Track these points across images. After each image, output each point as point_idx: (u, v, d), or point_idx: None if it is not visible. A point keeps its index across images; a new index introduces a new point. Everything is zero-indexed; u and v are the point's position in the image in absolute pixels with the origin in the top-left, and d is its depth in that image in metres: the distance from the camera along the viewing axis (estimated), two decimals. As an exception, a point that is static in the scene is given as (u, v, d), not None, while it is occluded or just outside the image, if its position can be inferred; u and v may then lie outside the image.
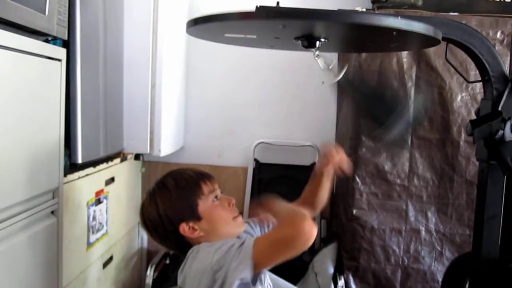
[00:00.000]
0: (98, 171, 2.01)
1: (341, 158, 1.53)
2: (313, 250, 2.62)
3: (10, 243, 1.34)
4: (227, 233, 1.35)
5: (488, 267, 1.69)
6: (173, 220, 1.33)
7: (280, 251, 1.18)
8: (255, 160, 2.84)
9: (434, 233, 2.42)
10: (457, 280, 1.92)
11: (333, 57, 2.58)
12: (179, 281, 1.33)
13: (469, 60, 1.86)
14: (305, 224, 1.14)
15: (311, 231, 1.13)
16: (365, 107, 1.47)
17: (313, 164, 2.78)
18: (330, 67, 1.40)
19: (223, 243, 1.25)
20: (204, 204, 1.35)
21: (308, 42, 1.33)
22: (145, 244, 2.80)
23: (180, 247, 1.37)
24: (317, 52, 1.37)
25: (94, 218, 1.97)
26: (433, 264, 2.43)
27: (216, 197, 1.38)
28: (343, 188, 2.55)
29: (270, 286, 1.36)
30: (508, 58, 2.26)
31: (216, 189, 1.39)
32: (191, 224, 1.33)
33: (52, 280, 1.59)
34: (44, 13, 1.45)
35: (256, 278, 1.21)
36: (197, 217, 1.33)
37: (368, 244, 2.43)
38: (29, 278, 1.45)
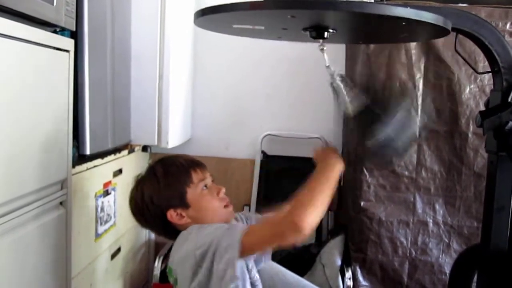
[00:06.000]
0: (106, 162, 2.02)
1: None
2: (321, 242, 2.63)
3: (20, 234, 1.35)
4: (215, 221, 1.36)
5: (496, 260, 1.68)
6: (161, 207, 1.35)
7: (268, 239, 1.21)
8: (263, 152, 2.83)
9: (442, 225, 2.41)
10: (465, 273, 1.91)
11: (339, 52, 2.59)
12: (169, 261, 1.37)
13: (477, 51, 1.85)
14: (299, 219, 1.14)
15: (302, 230, 1.13)
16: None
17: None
18: (327, 65, 1.38)
19: (212, 225, 1.28)
20: (192, 192, 1.36)
21: (317, 32, 1.32)
22: (153, 236, 2.81)
23: (168, 233, 1.40)
24: (321, 46, 1.36)
25: (102, 209, 1.98)
26: (440, 256, 2.42)
27: (206, 185, 1.39)
28: (351, 180, 2.55)
29: (256, 277, 1.35)
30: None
31: (206, 177, 1.41)
32: (178, 211, 1.35)
33: (61, 270, 1.60)
34: (52, 4, 1.45)
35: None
36: (185, 205, 1.35)
37: (376, 236, 2.42)
38: (39, 268, 1.46)
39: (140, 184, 1.40)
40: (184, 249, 1.27)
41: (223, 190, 1.42)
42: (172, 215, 1.34)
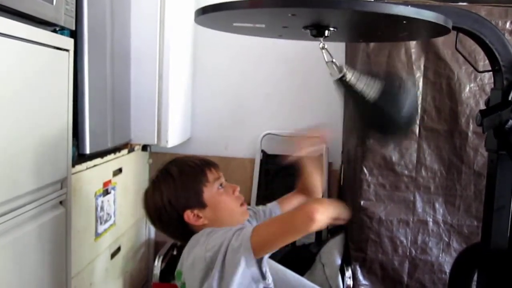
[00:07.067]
0: (106, 161, 2.02)
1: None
2: (320, 241, 2.63)
3: (19, 233, 1.35)
4: (232, 221, 1.35)
5: (496, 258, 1.68)
6: (178, 208, 1.33)
7: (279, 234, 1.19)
8: (262, 151, 2.83)
9: (442, 224, 2.41)
10: (465, 271, 1.91)
11: (338, 50, 2.59)
12: (179, 265, 1.35)
13: (478, 50, 1.85)
14: (310, 210, 1.15)
15: (313, 217, 1.13)
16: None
17: (320, 156, 2.77)
18: (333, 60, 1.38)
19: (222, 228, 1.26)
20: (209, 192, 1.35)
21: (317, 31, 1.32)
22: (153, 235, 2.81)
23: (183, 235, 1.37)
24: (321, 44, 1.36)
25: (102, 208, 1.98)
26: (440, 255, 2.42)
27: (221, 184, 1.38)
28: (351, 179, 2.55)
29: (270, 280, 1.35)
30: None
31: (221, 176, 1.39)
32: (195, 211, 1.33)
33: (60, 270, 1.60)
34: (52, 3, 1.44)
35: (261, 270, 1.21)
36: (202, 205, 1.33)
37: (376, 235, 2.42)
38: (38, 268, 1.45)
39: (156, 185, 1.37)
40: (194, 253, 1.26)
41: (238, 188, 1.40)
42: (189, 216, 1.32)
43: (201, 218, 1.33)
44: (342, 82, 1.36)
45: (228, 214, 1.35)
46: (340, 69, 1.36)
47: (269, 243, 1.19)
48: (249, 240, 1.16)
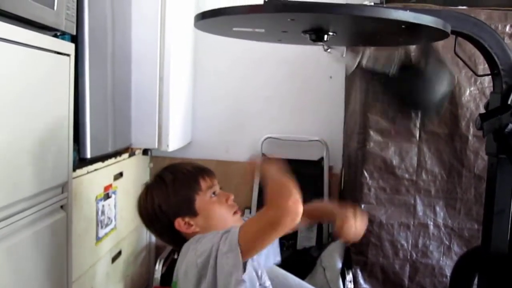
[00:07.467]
0: (107, 166, 2.02)
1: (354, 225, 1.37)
2: (321, 245, 2.62)
3: (20, 238, 1.35)
4: (224, 229, 1.34)
5: (497, 262, 1.68)
6: (169, 215, 1.33)
7: (266, 232, 1.16)
8: (263, 155, 2.83)
9: (443, 228, 2.41)
10: (465, 275, 1.91)
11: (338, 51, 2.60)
12: (174, 275, 1.34)
13: (477, 54, 1.85)
14: (289, 202, 1.11)
15: (296, 209, 1.11)
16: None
17: (321, 159, 2.78)
18: (343, 56, 1.38)
19: (211, 232, 1.26)
20: (201, 200, 1.35)
21: (316, 35, 1.33)
22: (153, 239, 2.81)
23: (176, 242, 1.37)
24: (325, 47, 1.37)
25: (103, 212, 1.98)
26: (441, 258, 2.42)
27: (214, 193, 1.37)
28: (351, 183, 2.55)
29: (267, 283, 1.34)
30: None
31: (215, 185, 1.39)
32: (187, 219, 1.33)
33: (61, 274, 1.60)
34: (53, 8, 1.45)
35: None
36: (193, 213, 1.33)
37: (377, 239, 2.42)
38: (39, 272, 1.46)
39: (149, 191, 1.38)
40: (186, 261, 1.25)
41: (232, 197, 1.40)
42: (180, 223, 1.32)
43: (192, 226, 1.33)
44: (360, 69, 1.36)
45: (220, 222, 1.34)
46: (355, 57, 1.36)
47: (258, 242, 1.18)
48: (237, 242, 1.14)
